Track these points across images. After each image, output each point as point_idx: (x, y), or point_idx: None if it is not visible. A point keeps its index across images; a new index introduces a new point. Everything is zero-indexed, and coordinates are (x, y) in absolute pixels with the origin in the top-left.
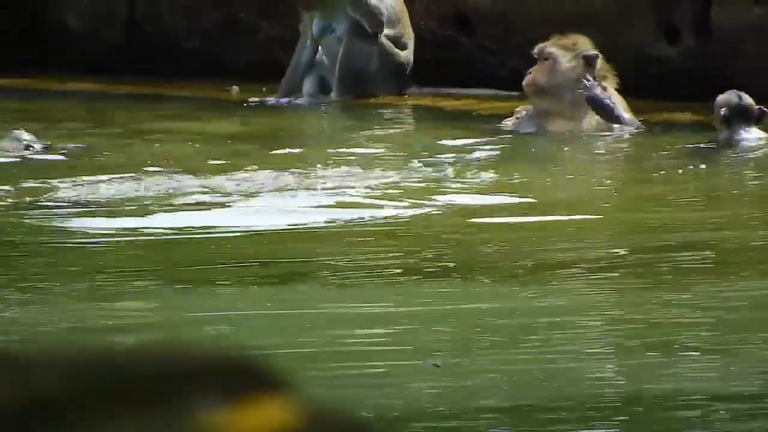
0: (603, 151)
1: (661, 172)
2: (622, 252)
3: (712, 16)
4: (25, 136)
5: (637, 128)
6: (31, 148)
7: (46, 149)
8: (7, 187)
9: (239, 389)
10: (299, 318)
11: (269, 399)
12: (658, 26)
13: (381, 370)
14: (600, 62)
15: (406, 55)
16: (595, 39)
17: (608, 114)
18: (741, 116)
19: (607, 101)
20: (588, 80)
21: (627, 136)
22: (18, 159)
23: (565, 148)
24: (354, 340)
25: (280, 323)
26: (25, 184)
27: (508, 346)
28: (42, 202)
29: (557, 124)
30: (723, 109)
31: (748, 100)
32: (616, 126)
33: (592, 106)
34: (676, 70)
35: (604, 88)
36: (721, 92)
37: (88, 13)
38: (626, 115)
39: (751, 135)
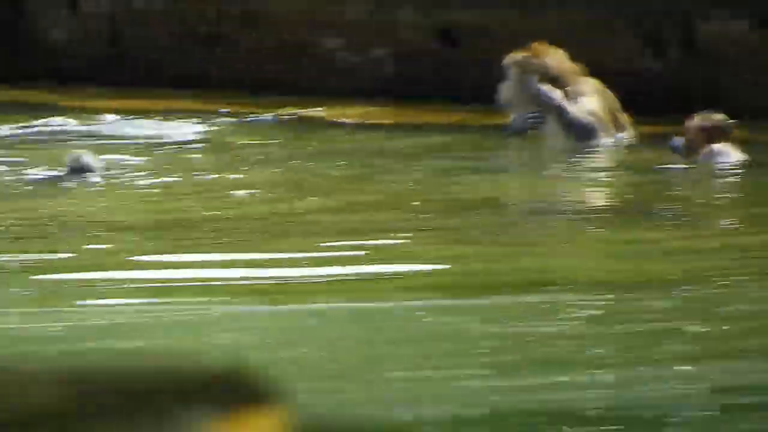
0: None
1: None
2: None
3: (698, 30)
4: None
5: (617, 140)
6: None
7: None
8: None
9: (230, 402)
10: (292, 331)
11: (260, 412)
12: (643, 40)
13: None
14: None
15: None
16: (580, 53)
17: (561, 117)
18: (718, 135)
19: (558, 102)
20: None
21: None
22: None
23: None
24: (348, 352)
25: (274, 337)
26: None
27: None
28: None
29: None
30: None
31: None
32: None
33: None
34: (662, 84)
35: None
36: (708, 106)
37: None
38: (586, 119)
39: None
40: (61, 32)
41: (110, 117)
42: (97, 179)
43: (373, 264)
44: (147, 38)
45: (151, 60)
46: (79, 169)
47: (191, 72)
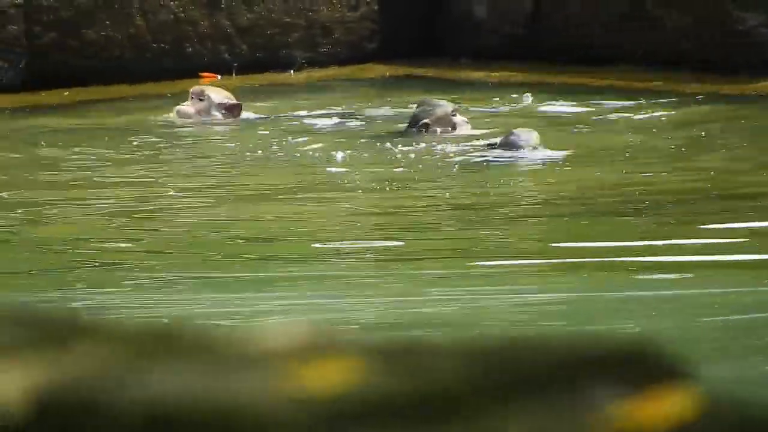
0: None
1: None
2: None
3: None
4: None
5: None
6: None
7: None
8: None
9: (637, 379)
10: (687, 303)
11: (667, 389)
12: None
13: None
14: None
15: None
16: None
17: None
18: None
19: None
20: None
21: None
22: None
23: None
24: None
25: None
26: None
27: None
28: None
29: None
30: None
31: None
32: None
33: None
34: None
35: None
36: None
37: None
38: None
39: None
40: (483, 9)
41: (527, 96)
42: (526, 156)
43: None
44: (564, 14)
45: (569, 36)
46: (511, 145)
47: (608, 48)
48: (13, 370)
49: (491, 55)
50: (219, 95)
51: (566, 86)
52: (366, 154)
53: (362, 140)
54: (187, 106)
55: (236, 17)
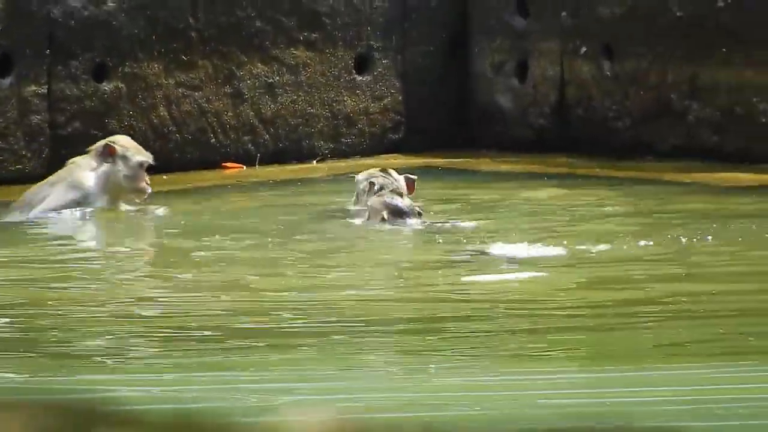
0: None
1: None
2: None
3: None
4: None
5: None
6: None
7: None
8: None
9: None
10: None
11: None
12: None
13: None
14: None
15: None
16: None
17: None
18: None
19: None
20: None
21: None
22: None
23: None
24: None
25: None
26: None
27: None
28: None
29: None
30: None
31: None
32: None
33: None
34: None
35: None
36: None
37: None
38: None
39: None
40: (508, 100)
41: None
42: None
43: None
44: (591, 105)
45: (594, 127)
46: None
47: (632, 141)
48: None
49: (517, 147)
50: None
51: (590, 179)
52: None
53: None
54: None
55: (260, 108)
